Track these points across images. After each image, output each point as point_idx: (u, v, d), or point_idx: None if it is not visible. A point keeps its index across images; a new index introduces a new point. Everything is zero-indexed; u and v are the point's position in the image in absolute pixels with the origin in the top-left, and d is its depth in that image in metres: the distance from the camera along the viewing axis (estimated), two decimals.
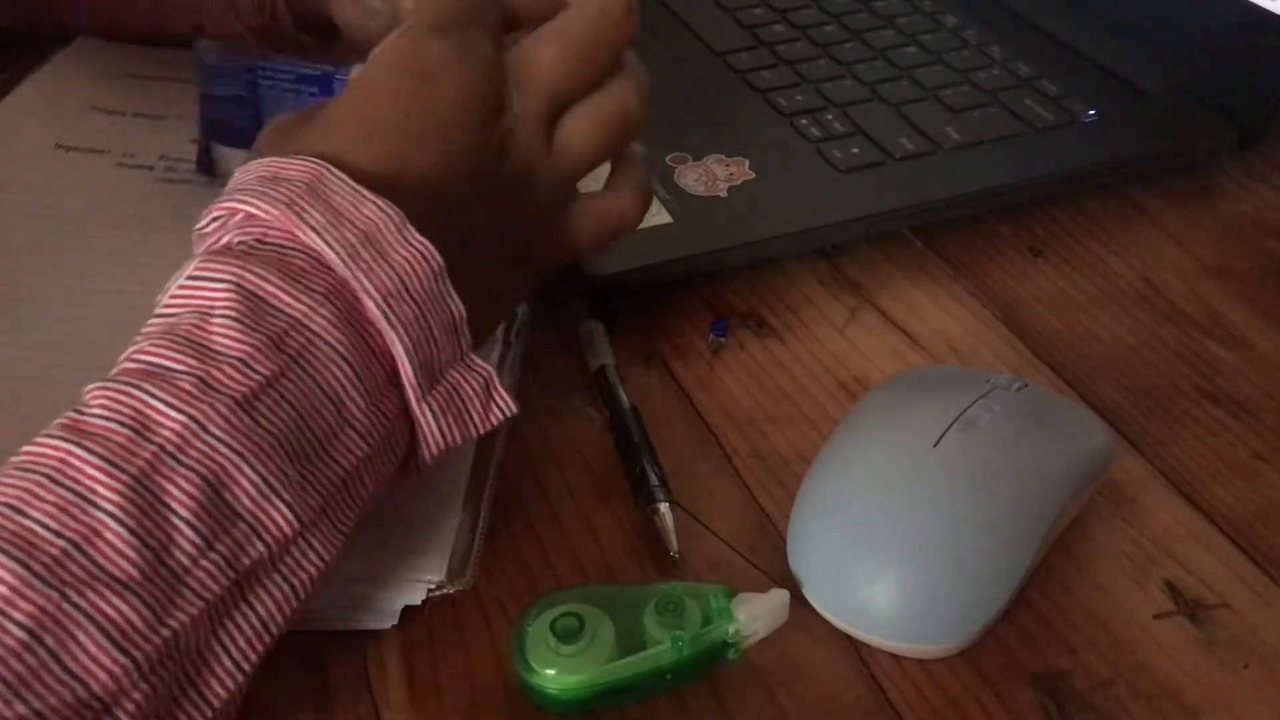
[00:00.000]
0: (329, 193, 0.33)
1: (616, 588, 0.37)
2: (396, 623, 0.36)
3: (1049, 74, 0.60)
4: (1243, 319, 0.49)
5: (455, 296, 0.33)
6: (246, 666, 0.30)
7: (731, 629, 0.34)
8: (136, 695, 0.27)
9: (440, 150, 0.36)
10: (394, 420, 0.33)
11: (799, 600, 0.36)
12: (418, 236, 0.33)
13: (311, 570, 0.31)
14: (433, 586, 0.36)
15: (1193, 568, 0.38)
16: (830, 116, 0.57)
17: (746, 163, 0.54)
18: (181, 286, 0.32)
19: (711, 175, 0.53)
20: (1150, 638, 0.36)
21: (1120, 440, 0.43)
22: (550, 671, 0.33)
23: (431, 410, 0.34)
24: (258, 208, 0.32)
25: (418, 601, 0.36)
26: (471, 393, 0.35)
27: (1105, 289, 0.51)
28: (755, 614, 0.34)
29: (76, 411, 0.29)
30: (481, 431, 0.35)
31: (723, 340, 0.48)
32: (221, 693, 0.29)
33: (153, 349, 0.30)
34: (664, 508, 0.39)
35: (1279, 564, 0.38)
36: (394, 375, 0.33)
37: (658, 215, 0.50)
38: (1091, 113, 0.58)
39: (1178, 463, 0.42)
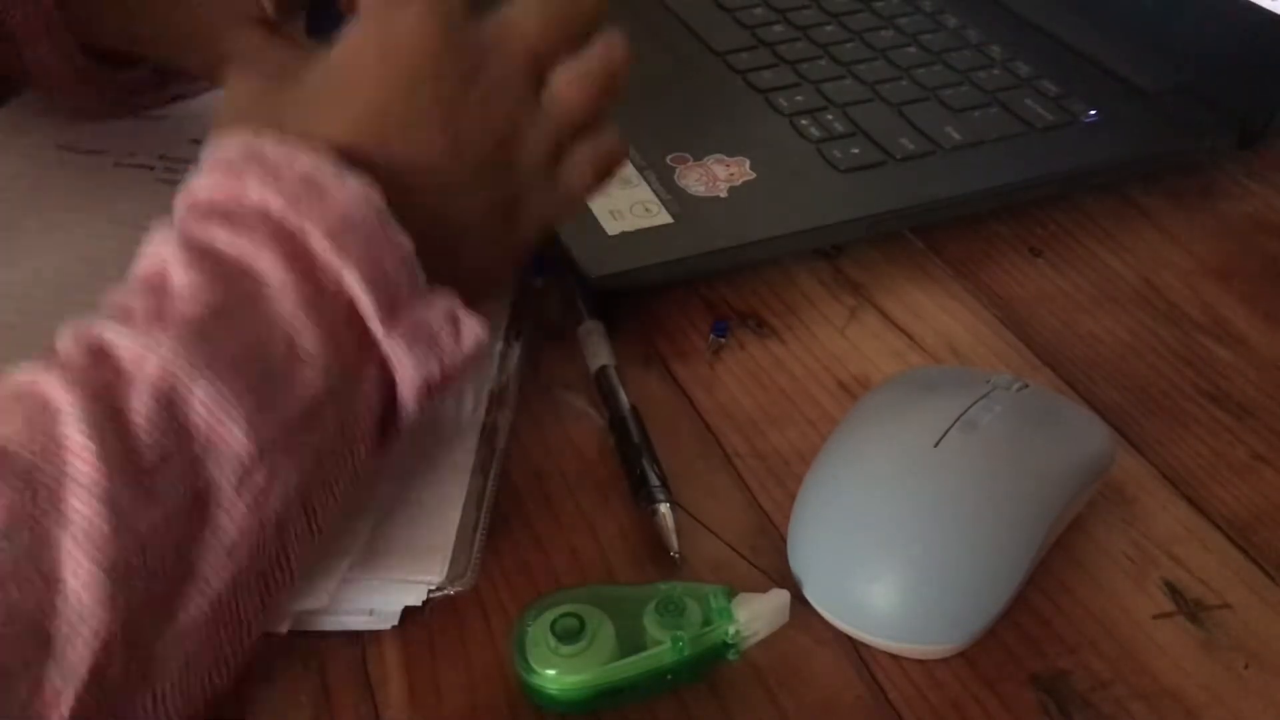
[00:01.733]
0: (263, 153, 0.34)
1: (616, 588, 0.37)
2: (397, 623, 0.36)
3: (1049, 74, 0.60)
4: (1243, 319, 0.49)
5: (403, 232, 0.34)
6: (217, 584, 0.31)
7: (732, 629, 0.34)
8: (107, 612, 0.28)
9: (417, 121, 0.37)
10: (356, 355, 0.34)
11: (799, 600, 0.36)
12: (354, 178, 0.34)
13: (276, 503, 0.32)
14: (433, 587, 0.36)
15: (1193, 568, 0.38)
16: (830, 116, 0.57)
17: (747, 163, 0.54)
18: (145, 248, 0.34)
19: (712, 175, 0.53)
20: (1150, 638, 0.36)
21: (1120, 440, 0.43)
22: (550, 672, 0.33)
23: (401, 343, 0.34)
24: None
25: (418, 602, 0.36)
26: (438, 321, 0.35)
27: (1105, 289, 0.51)
28: (755, 614, 0.34)
29: (47, 350, 0.32)
30: (458, 361, 0.36)
31: (723, 340, 0.48)
32: (195, 613, 0.31)
33: (114, 298, 0.33)
34: (664, 508, 0.39)
35: (1279, 564, 0.38)
36: (352, 314, 0.34)
37: (658, 215, 0.50)
38: (1092, 113, 0.58)
39: (1178, 463, 0.42)
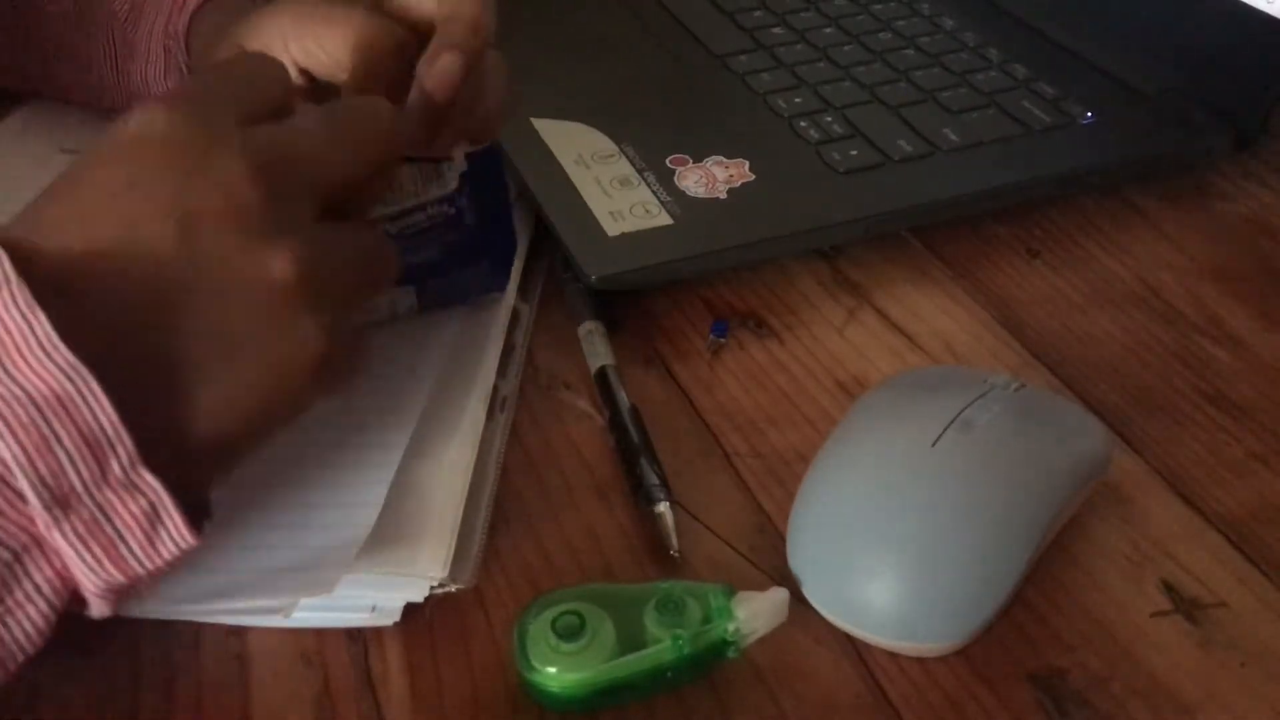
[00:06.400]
0: None
1: (617, 587, 0.37)
2: (398, 620, 0.36)
3: (1046, 76, 0.61)
4: (1240, 319, 0.49)
5: (104, 403, 0.28)
6: None
7: (731, 628, 0.34)
8: None
9: (143, 215, 0.31)
10: (18, 555, 0.29)
11: (798, 599, 0.36)
12: (61, 350, 0.28)
13: None
14: (434, 585, 0.36)
15: (1190, 567, 0.38)
16: (829, 118, 0.58)
17: (746, 164, 0.54)
18: None
19: (711, 177, 0.53)
20: (1147, 637, 0.36)
21: (1117, 440, 0.43)
22: (551, 670, 0.33)
23: (68, 539, 0.29)
24: None
25: (420, 598, 0.36)
26: (129, 519, 0.29)
27: (1103, 290, 0.51)
28: (755, 613, 0.35)
29: None
30: (148, 568, 0.30)
31: (723, 341, 0.48)
32: None
33: None
34: (664, 507, 0.39)
35: (1276, 563, 0.39)
36: (25, 505, 0.29)
37: (658, 216, 0.50)
38: (1089, 114, 0.58)
39: (1175, 463, 0.42)
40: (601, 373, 0.45)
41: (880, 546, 0.36)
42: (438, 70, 0.40)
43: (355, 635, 0.36)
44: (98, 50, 0.54)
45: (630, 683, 0.34)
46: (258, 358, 0.31)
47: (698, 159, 0.54)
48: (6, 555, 0.29)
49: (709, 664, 0.35)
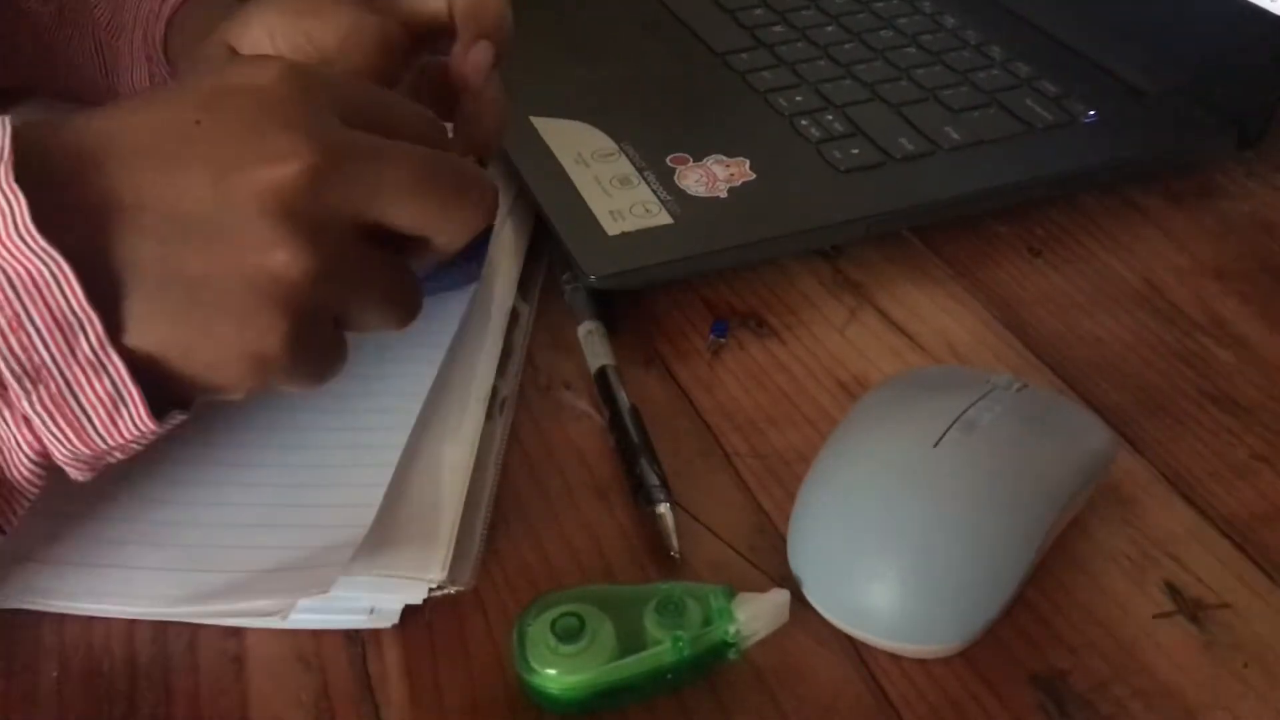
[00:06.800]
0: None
1: (616, 588, 0.37)
2: (397, 622, 0.36)
3: (1048, 74, 0.61)
4: (1242, 319, 0.49)
5: (74, 285, 0.30)
6: None
7: (732, 629, 0.34)
8: None
9: (201, 157, 0.32)
10: None
11: (799, 600, 0.36)
12: (35, 236, 0.29)
13: None
14: (433, 586, 0.36)
15: (1192, 568, 0.38)
16: (830, 117, 0.57)
17: (747, 163, 0.54)
18: None
19: (712, 176, 0.53)
20: (1150, 638, 0.36)
21: (1120, 440, 0.43)
22: (551, 671, 0.33)
23: (36, 410, 0.31)
24: None
25: (418, 600, 0.36)
26: (94, 397, 0.31)
27: (1105, 289, 0.51)
28: (755, 614, 0.34)
29: None
30: (111, 442, 0.32)
31: (723, 340, 0.48)
32: None
33: None
34: (664, 508, 0.39)
35: (1278, 564, 0.38)
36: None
37: (658, 216, 0.50)
38: (1091, 113, 0.58)
39: (1177, 463, 0.42)
40: (601, 373, 0.45)
41: (881, 547, 0.36)
42: (474, 57, 0.41)
43: (354, 637, 0.36)
44: (85, 54, 0.54)
45: (630, 684, 0.33)
46: (219, 319, 0.32)
47: (698, 158, 0.54)
48: None
49: (709, 665, 0.34)
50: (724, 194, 0.52)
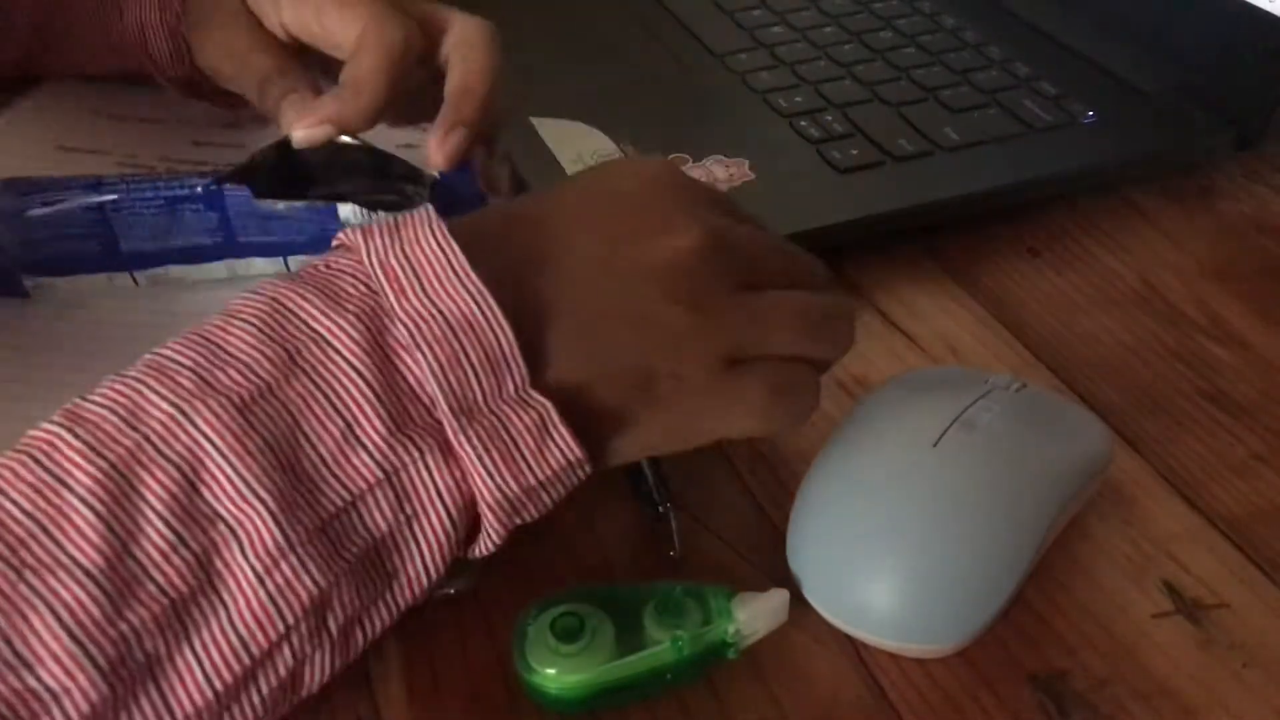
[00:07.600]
0: (414, 235, 0.32)
1: (616, 588, 0.37)
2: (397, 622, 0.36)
3: (1047, 75, 0.61)
4: (1241, 319, 0.49)
5: (505, 326, 0.31)
6: (219, 684, 0.28)
7: (731, 629, 0.34)
8: (93, 695, 0.27)
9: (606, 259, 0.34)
10: (424, 453, 0.31)
11: (799, 600, 0.36)
12: (472, 277, 0.31)
13: (304, 596, 0.29)
14: None
15: (1191, 568, 0.38)
16: (830, 117, 0.57)
17: (746, 164, 0.54)
18: (235, 298, 0.32)
19: (711, 176, 0.53)
20: (1149, 638, 0.36)
21: (1119, 441, 0.43)
22: (550, 671, 0.33)
23: (471, 444, 0.31)
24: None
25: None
26: (522, 428, 0.31)
27: (1104, 289, 0.51)
28: (755, 614, 0.34)
29: (81, 398, 0.30)
30: (539, 475, 0.32)
31: None
32: (187, 704, 0.28)
33: (170, 345, 0.31)
34: (664, 508, 0.39)
35: (1277, 564, 0.39)
36: (432, 413, 0.31)
37: None
38: (1090, 113, 0.58)
39: (1176, 463, 0.42)
40: None
41: (880, 547, 0.36)
42: (449, 147, 0.43)
43: None
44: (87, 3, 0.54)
45: (630, 684, 0.34)
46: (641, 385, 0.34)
47: (698, 158, 0.54)
48: (415, 453, 0.31)
49: (709, 665, 0.34)
50: None
